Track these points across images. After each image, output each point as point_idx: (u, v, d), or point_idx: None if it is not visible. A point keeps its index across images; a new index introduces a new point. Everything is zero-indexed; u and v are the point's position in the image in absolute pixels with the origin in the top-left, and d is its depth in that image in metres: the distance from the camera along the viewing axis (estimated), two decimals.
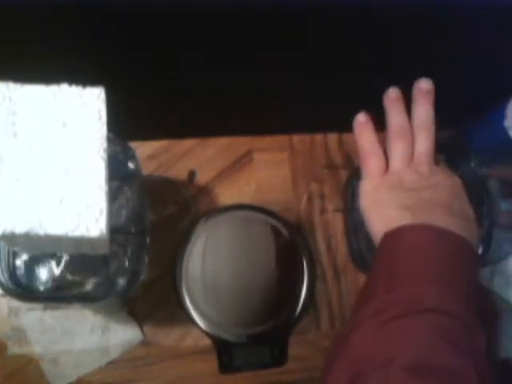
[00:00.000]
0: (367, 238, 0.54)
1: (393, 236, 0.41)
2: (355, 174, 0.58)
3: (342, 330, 0.39)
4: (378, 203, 0.44)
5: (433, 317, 0.35)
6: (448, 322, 0.35)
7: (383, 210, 0.43)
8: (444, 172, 0.45)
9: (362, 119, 0.46)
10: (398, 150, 0.44)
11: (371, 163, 0.45)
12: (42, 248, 0.41)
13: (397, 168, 0.44)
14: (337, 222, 0.60)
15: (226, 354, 0.54)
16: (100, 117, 0.35)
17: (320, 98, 0.57)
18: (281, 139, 0.62)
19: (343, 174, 0.61)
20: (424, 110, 0.44)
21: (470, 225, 0.42)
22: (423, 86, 0.44)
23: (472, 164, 0.51)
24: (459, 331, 0.35)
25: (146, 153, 0.58)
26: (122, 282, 0.45)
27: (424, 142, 0.44)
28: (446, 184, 0.43)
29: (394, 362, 0.33)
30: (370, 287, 0.41)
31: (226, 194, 0.59)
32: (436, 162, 0.45)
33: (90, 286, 0.45)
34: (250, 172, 0.60)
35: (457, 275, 0.38)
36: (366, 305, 0.38)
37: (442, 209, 0.41)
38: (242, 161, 0.60)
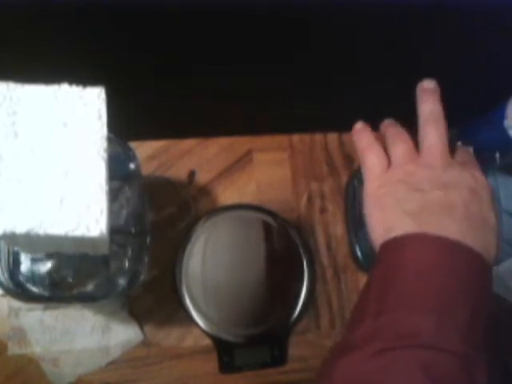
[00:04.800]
0: (367, 237, 0.55)
1: (390, 247, 0.36)
2: (355, 174, 0.58)
3: (337, 346, 0.35)
4: (379, 206, 0.38)
5: (425, 355, 0.31)
6: (443, 361, 0.31)
7: (384, 214, 0.38)
8: (464, 168, 0.38)
9: (358, 127, 0.43)
10: (399, 144, 0.39)
11: (370, 159, 0.40)
12: (42, 248, 0.41)
13: (400, 162, 0.39)
14: (337, 222, 0.60)
15: (226, 354, 0.54)
16: (100, 117, 0.35)
17: (320, 98, 0.57)
18: (281, 139, 0.62)
19: (343, 174, 0.61)
20: (429, 104, 0.39)
21: (487, 233, 0.36)
22: (427, 86, 0.40)
23: None
24: (456, 372, 0.30)
25: (146, 153, 0.58)
26: (122, 281, 0.45)
27: (433, 134, 0.38)
28: (463, 182, 0.37)
29: None
30: (363, 305, 0.36)
31: (226, 194, 0.59)
32: (461, 155, 0.39)
33: (90, 286, 0.45)
34: (250, 172, 0.60)
35: (461, 297, 0.33)
36: (358, 325, 0.34)
37: (453, 213, 0.35)
38: (242, 161, 0.60)
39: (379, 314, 0.33)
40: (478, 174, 0.38)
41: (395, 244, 0.36)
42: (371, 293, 0.36)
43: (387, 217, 0.37)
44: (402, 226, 0.36)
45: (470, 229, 0.35)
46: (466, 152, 0.40)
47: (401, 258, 0.35)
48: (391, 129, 0.41)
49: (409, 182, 0.37)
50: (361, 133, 0.42)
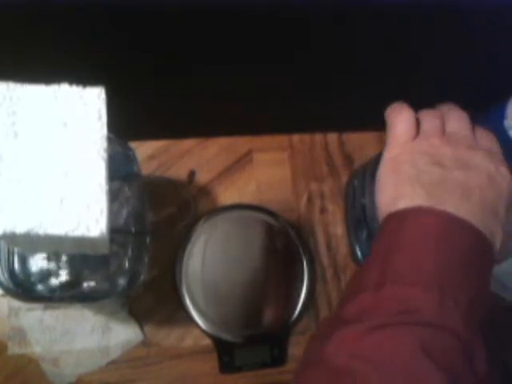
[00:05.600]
0: (368, 237, 0.54)
1: (396, 218, 0.35)
2: (355, 174, 0.58)
3: (330, 316, 0.35)
4: (395, 172, 0.37)
5: (425, 333, 0.30)
6: (443, 341, 0.30)
7: (398, 181, 0.37)
8: (487, 154, 0.37)
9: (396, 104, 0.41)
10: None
11: (398, 126, 0.39)
12: (42, 248, 0.41)
13: (427, 134, 0.38)
14: (337, 222, 0.60)
15: (226, 354, 0.54)
16: (100, 117, 0.35)
17: (320, 98, 0.57)
18: (281, 139, 0.62)
19: (343, 174, 0.61)
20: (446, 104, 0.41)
21: (495, 223, 0.35)
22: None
23: None
24: (456, 353, 0.30)
25: (146, 153, 0.58)
26: (122, 281, 0.45)
27: (458, 118, 0.38)
28: (484, 167, 0.36)
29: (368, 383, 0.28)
30: (363, 276, 0.35)
31: (226, 194, 0.59)
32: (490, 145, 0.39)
33: (90, 286, 0.45)
34: (250, 172, 0.60)
35: (464, 275, 0.32)
36: (355, 298, 0.33)
37: (467, 195, 0.35)
38: (242, 161, 0.60)
39: (378, 286, 0.32)
40: (500, 163, 0.37)
41: (402, 215, 0.35)
42: (371, 265, 0.35)
43: (401, 184, 0.36)
44: (413, 197, 0.35)
45: (480, 212, 0.34)
46: (491, 140, 0.39)
47: (405, 229, 0.34)
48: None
49: (432, 155, 0.37)
50: (395, 105, 0.41)
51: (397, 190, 0.36)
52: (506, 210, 0.36)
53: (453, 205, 0.34)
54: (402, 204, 0.35)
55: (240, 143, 0.61)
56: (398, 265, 0.33)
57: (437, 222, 0.34)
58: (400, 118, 0.39)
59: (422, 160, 0.37)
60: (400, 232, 0.34)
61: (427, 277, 0.32)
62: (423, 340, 0.29)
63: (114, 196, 0.45)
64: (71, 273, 0.44)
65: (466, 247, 0.33)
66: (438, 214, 0.34)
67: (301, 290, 0.56)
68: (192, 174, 0.59)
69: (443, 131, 0.38)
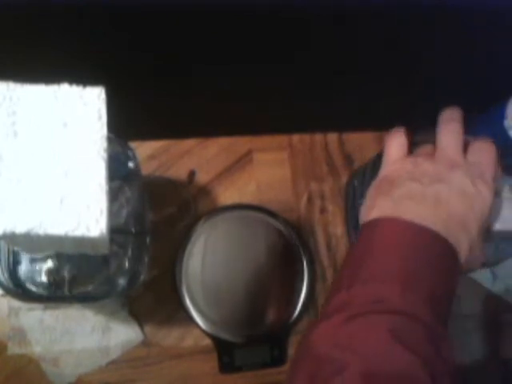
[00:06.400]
0: None
1: (369, 227, 0.39)
2: (355, 174, 0.58)
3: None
4: (375, 189, 0.42)
5: (392, 319, 0.33)
6: (409, 325, 0.33)
7: (374, 196, 0.41)
8: (468, 172, 0.39)
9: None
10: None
11: (390, 147, 0.43)
12: (42, 248, 0.41)
13: (418, 153, 0.42)
14: (337, 222, 0.60)
15: (226, 354, 0.54)
16: (100, 117, 0.35)
17: (320, 98, 0.57)
18: (281, 139, 0.62)
19: (343, 174, 0.61)
20: (449, 108, 0.42)
21: (461, 234, 0.38)
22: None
23: None
24: (422, 338, 0.33)
25: (146, 153, 0.58)
26: (122, 281, 0.45)
27: (447, 136, 0.41)
28: (458, 184, 0.39)
29: (348, 369, 0.31)
30: (340, 278, 0.39)
31: (226, 194, 0.59)
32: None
33: (89, 285, 0.45)
34: (250, 172, 0.60)
35: (426, 273, 0.36)
36: (333, 297, 0.37)
37: (433, 206, 0.38)
38: (242, 161, 0.60)
39: (351, 285, 0.36)
40: (482, 182, 0.39)
41: (374, 224, 0.39)
42: (346, 270, 0.39)
43: (376, 197, 0.41)
44: (383, 208, 0.39)
45: (445, 222, 0.37)
46: (485, 157, 0.40)
47: (373, 237, 0.38)
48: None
49: (412, 172, 0.40)
50: (393, 130, 0.44)
51: (372, 202, 0.41)
52: (476, 223, 0.39)
53: (418, 215, 0.37)
54: (373, 214, 0.39)
55: (240, 143, 0.61)
56: (366, 268, 0.37)
57: (401, 230, 0.37)
58: (392, 142, 0.43)
59: (401, 177, 0.40)
60: (371, 239, 0.38)
61: (392, 275, 0.36)
62: (392, 326, 0.33)
63: (114, 196, 0.45)
64: (71, 273, 0.44)
65: (429, 251, 0.37)
66: (402, 224, 0.37)
67: (301, 290, 0.56)
68: (192, 174, 0.59)
69: (433, 150, 0.41)
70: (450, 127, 0.41)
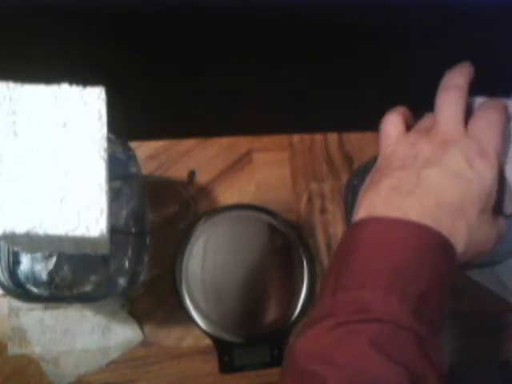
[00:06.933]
0: None
1: (351, 229, 0.37)
2: (356, 174, 0.58)
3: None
4: (369, 184, 0.38)
5: (375, 328, 0.31)
6: (392, 333, 0.31)
7: (364, 191, 0.38)
8: (463, 149, 0.35)
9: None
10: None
11: (383, 128, 0.39)
12: (42, 248, 0.41)
13: (414, 130, 0.38)
14: (337, 222, 0.60)
15: (226, 354, 0.54)
16: (100, 117, 0.35)
17: (320, 97, 0.57)
18: (281, 139, 0.62)
19: (343, 174, 0.61)
20: (452, 71, 0.39)
21: (457, 221, 0.35)
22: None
23: None
24: (405, 344, 0.31)
25: (146, 153, 0.58)
26: (122, 281, 0.45)
27: (445, 106, 0.37)
28: (451, 165, 0.35)
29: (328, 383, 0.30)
30: (326, 279, 0.37)
31: (226, 194, 0.59)
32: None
33: (90, 286, 0.45)
34: (250, 172, 0.60)
35: (412, 273, 0.33)
36: (319, 301, 0.35)
37: (425, 196, 0.35)
38: (242, 161, 0.60)
39: (335, 291, 0.34)
40: (480, 161, 0.35)
41: (357, 225, 0.37)
42: (331, 273, 0.36)
43: (365, 193, 0.38)
44: (368, 207, 0.37)
45: (435, 213, 0.34)
46: (486, 124, 0.36)
47: (356, 238, 0.36)
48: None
49: (403, 158, 0.37)
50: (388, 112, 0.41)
51: (361, 199, 0.38)
52: (474, 208, 0.35)
53: (406, 210, 0.35)
54: (360, 213, 0.37)
55: (240, 143, 0.61)
56: (348, 271, 0.35)
57: (386, 229, 0.35)
58: (386, 122, 0.40)
59: (391, 166, 0.37)
60: (355, 241, 0.36)
61: (375, 278, 0.33)
62: (375, 336, 0.31)
63: (114, 196, 0.45)
64: (71, 273, 0.44)
65: (418, 248, 0.34)
66: (387, 223, 0.35)
67: (301, 290, 0.56)
68: (192, 174, 0.59)
69: (432, 126, 0.38)
70: (448, 95, 0.37)
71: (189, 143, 0.60)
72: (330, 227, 0.60)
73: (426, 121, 0.39)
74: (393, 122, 0.39)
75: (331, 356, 0.31)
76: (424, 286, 0.33)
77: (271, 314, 0.55)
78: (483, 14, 0.47)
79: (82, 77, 0.35)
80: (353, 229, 0.37)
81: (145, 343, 0.54)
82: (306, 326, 0.35)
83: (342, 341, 0.32)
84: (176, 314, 0.54)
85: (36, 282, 0.44)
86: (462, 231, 0.35)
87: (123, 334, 0.53)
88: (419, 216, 0.34)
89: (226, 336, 0.54)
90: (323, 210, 0.60)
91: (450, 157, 0.35)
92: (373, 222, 0.36)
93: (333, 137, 0.63)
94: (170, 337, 0.55)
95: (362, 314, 0.32)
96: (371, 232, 0.35)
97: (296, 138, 0.62)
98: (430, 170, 0.35)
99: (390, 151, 0.38)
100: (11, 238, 0.34)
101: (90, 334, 0.53)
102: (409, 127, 0.40)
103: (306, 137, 0.62)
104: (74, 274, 0.44)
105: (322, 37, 0.50)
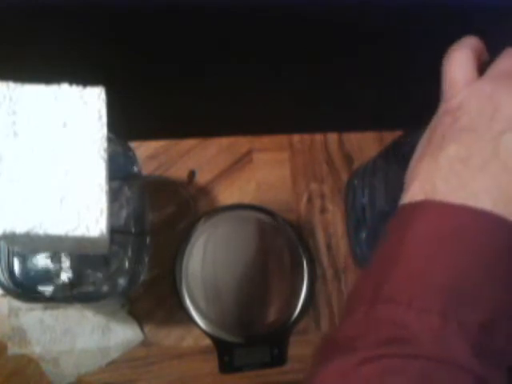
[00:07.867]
0: (368, 237, 0.54)
1: (404, 212, 0.28)
2: (356, 174, 0.58)
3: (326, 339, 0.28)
4: (426, 148, 0.29)
5: (420, 369, 0.23)
6: (443, 378, 0.23)
7: (421, 154, 0.29)
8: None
9: None
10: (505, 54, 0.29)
11: (449, 69, 0.30)
12: (42, 248, 0.41)
13: (493, 74, 0.29)
14: (337, 222, 0.60)
15: (226, 354, 0.54)
16: (100, 117, 0.35)
17: (320, 97, 0.57)
18: (281, 139, 0.62)
19: (343, 174, 0.61)
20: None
21: None
22: None
23: None
24: None
25: (146, 153, 0.58)
26: (122, 281, 0.45)
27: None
28: None
29: None
30: (360, 287, 0.29)
31: (226, 194, 0.59)
32: None
33: (90, 286, 0.45)
34: (250, 172, 0.60)
35: (480, 288, 0.24)
36: (348, 317, 0.27)
37: (503, 171, 0.26)
38: (242, 161, 0.60)
39: (371, 305, 0.26)
40: None
41: (406, 212, 0.27)
42: (368, 275, 0.28)
43: (420, 160, 0.28)
44: (423, 183, 0.27)
45: (505, 192, 0.26)
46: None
47: (405, 232, 0.27)
48: None
49: (476, 115, 0.27)
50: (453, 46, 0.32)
51: (415, 170, 0.28)
52: None
53: (474, 192, 0.25)
54: (413, 191, 0.27)
55: (240, 143, 0.61)
56: (394, 277, 0.26)
57: (447, 220, 0.26)
58: (453, 61, 0.30)
59: (458, 123, 0.27)
60: (404, 234, 0.27)
61: (427, 293, 0.25)
62: (418, 379, 0.23)
63: (114, 196, 0.45)
64: (71, 273, 0.44)
65: (487, 249, 0.25)
66: (448, 211, 0.26)
67: (301, 290, 0.56)
68: (192, 174, 0.59)
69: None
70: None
71: (189, 143, 0.60)
72: (330, 227, 0.60)
73: (506, 61, 0.30)
74: (460, 62, 0.30)
75: None
76: (492, 311, 0.24)
77: (271, 314, 0.55)
78: (483, 14, 0.47)
79: (82, 77, 0.35)
80: (402, 216, 0.27)
81: (145, 343, 0.54)
82: (329, 345, 0.27)
83: (376, 380, 0.24)
84: (176, 313, 0.54)
85: (36, 282, 0.44)
86: None
87: (123, 334, 0.53)
88: (494, 202, 0.25)
89: (226, 336, 0.54)
90: (323, 210, 0.60)
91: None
92: (430, 208, 0.26)
93: (333, 137, 0.63)
94: (170, 337, 0.55)
95: (405, 347, 0.24)
96: (426, 224, 0.26)
97: (296, 137, 0.62)
98: (497, 137, 0.26)
99: (457, 104, 0.28)
100: (11, 238, 0.34)
101: (89, 333, 0.53)
102: (482, 69, 0.30)
103: (306, 137, 0.62)
104: (75, 275, 0.44)
105: (322, 37, 0.50)
